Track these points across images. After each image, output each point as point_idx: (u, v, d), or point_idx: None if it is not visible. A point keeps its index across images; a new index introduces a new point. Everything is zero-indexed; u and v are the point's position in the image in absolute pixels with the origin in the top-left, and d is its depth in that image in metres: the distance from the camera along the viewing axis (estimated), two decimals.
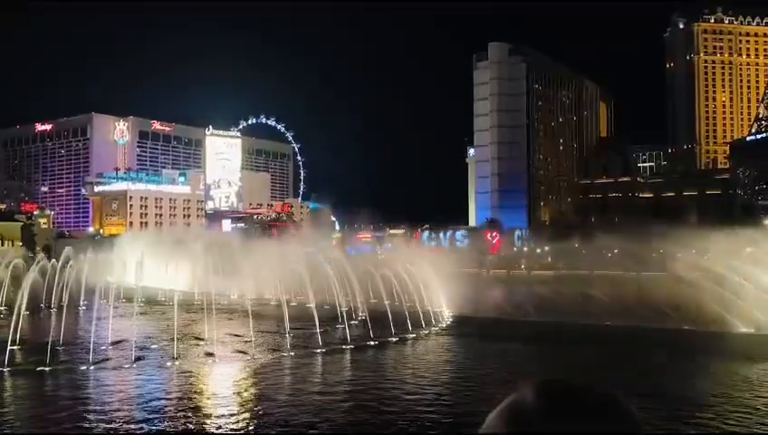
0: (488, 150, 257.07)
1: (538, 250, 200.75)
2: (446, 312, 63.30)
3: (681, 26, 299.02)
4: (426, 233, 61.57)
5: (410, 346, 48.83)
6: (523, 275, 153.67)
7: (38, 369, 38.17)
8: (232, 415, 29.81)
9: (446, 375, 39.93)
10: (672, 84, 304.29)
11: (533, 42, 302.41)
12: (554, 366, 41.06)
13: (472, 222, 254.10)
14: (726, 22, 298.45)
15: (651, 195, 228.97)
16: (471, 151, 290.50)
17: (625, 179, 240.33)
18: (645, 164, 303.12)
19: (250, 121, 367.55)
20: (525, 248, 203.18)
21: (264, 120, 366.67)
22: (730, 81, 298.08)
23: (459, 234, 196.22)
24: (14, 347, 42.21)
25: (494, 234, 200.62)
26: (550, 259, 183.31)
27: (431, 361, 44.82)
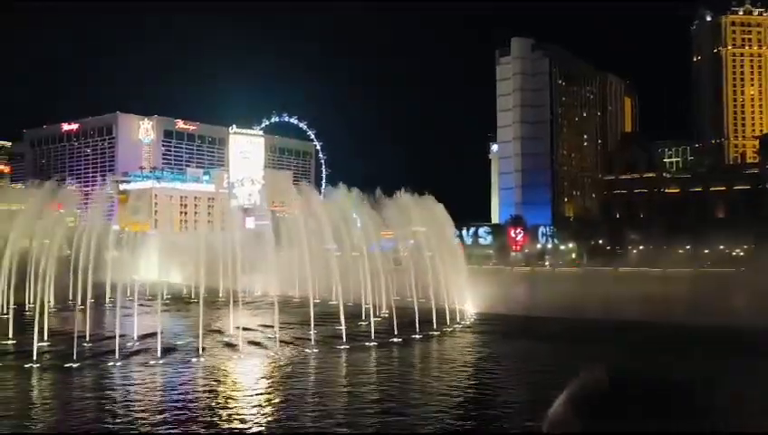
0: (511, 146, 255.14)
1: (562, 247, 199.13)
2: (469, 309, 62.83)
3: (708, 19, 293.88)
4: (450, 231, 61.65)
5: (435, 343, 48.51)
6: (548, 271, 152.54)
7: (66, 365, 38.58)
8: (256, 410, 29.80)
9: (470, 373, 39.54)
10: (698, 78, 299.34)
11: (556, 37, 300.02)
12: (577, 363, 40.45)
13: (495, 219, 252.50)
14: (755, 14, 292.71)
15: (677, 190, 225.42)
16: (494, 147, 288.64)
17: (650, 175, 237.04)
18: (670, 159, 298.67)
19: (273, 120, 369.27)
20: (549, 245, 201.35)
21: (286, 119, 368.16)
22: (759, 73, 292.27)
23: (482, 230, 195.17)
24: (43, 343, 42.73)
25: (517, 230, 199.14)
26: (583, 257, 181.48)
27: (455, 358, 44.47)
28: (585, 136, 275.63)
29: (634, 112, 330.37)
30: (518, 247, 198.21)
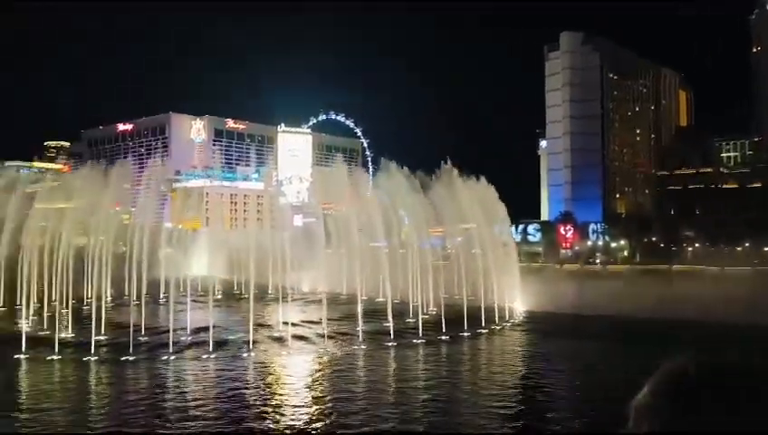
0: (561, 142, 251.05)
1: (614, 244, 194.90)
2: (518, 307, 62.09)
3: None
4: (497, 227, 60.37)
5: (483, 341, 48.12)
6: (599, 269, 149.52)
7: (122, 359, 39.73)
8: (306, 406, 30.10)
9: (519, 372, 39.10)
10: (758, 69, 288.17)
11: (608, 31, 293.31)
12: (629, 362, 39.52)
13: (544, 216, 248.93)
14: None
15: (735, 186, 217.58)
16: (543, 143, 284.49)
17: (707, 170, 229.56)
18: (728, 154, 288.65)
19: (320, 118, 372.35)
20: (600, 242, 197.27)
21: (333, 117, 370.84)
22: None
23: (531, 228, 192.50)
24: (101, 337, 44.11)
25: (567, 227, 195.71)
26: (636, 254, 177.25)
27: (505, 357, 44.06)
28: (638, 131, 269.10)
29: (689, 106, 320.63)
30: (568, 245, 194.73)
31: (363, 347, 43.67)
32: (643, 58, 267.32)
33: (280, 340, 45.44)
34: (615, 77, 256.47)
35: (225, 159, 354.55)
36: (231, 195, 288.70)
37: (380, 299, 59.44)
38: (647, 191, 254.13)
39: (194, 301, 54.33)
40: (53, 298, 55.91)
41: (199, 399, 31.29)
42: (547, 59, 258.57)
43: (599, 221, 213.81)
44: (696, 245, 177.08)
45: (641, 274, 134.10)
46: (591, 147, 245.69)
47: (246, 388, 33.93)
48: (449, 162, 61.80)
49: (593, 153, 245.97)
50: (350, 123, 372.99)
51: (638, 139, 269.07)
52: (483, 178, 65.33)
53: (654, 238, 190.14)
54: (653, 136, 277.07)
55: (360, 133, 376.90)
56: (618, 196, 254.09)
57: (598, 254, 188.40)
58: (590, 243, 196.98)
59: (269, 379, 36.77)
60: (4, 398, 32.15)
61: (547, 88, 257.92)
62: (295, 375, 37.71)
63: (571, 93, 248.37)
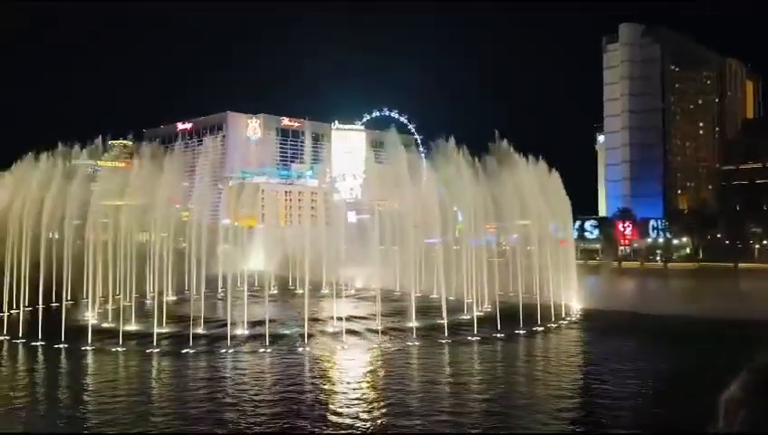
0: (619, 137, 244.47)
1: (675, 241, 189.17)
2: (575, 305, 60.91)
3: None
4: (553, 224, 58.95)
5: (539, 339, 47.40)
6: (659, 267, 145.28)
7: (182, 351, 40.85)
8: (361, 401, 30.24)
9: (575, 371, 38.39)
10: None
11: (669, 21, 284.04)
12: (691, 363, 38.30)
13: (602, 212, 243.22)
14: None
15: None
16: (600, 138, 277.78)
17: None
18: None
19: (374, 114, 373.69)
20: (661, 239, 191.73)
21: (387, 113, 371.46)
22: None
23: (588, 224, 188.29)
24: (162, 330, 45.44)
25: (626, 224, 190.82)
26: (699, 252, 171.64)
27: (560, 355, 43.27)
28: (701, 124, 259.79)
29: (757, 98, 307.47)
30: (627, 242, 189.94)
31: (417, 343, 43.63)
32: (707, 48, 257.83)
33: (334, 335, 45.83)
34: (677, 69, 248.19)
35: (281, 156, 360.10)
36: (286, 192, 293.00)
37: (434, 296, 59.28)
38: (710, 187, 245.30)
39: (250, 296, 55.38)
40: (117, 292, 57.85)
41: (254, 392, 31.85)
42: (605, 51, 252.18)
43: (659, 218, 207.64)
44: (764, 242, 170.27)
45: (705, 272, 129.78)
46: (652, 141, 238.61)
47: (302, 382, 34.36)
48: (503, 140, 59.89)
49: (653, 148, 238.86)
50: (403, 119, 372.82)
51: (701, 132, 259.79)
52: (555, 173, 63.34)
53: (718, 235, 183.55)
54: (717, 129, 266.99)
55: (413, 129, 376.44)
56: (679, 191, 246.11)
57: (658, 251, 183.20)
58: (649, 240, 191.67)
59: (324, 373, 37.15)
60: (74, 387, 33.53)
61: (605, 81, 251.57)
62: (349, 370, 37.95)
63: (630, 87, 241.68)
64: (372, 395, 31.68)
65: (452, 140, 58.83)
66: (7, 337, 46.81)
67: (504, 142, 60.35)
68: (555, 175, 63.43)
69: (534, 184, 58.91)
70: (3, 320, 50.61)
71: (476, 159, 59.30)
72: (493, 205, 58.84)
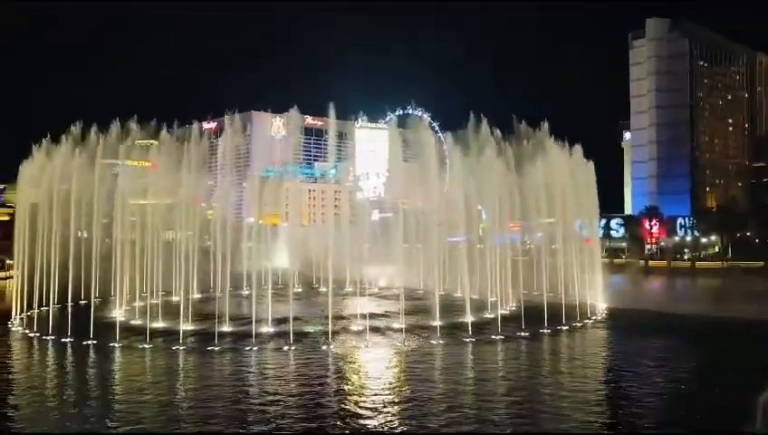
0: (646, 133, 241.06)
1: (703, 239, 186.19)
2: (600, 304, 60.28)
3: None
4: (578, 221, 58.11)
5: (564, 338, 47.01)
6: (687, 265, 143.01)
7: (208, 348, 41.27)
8: (384, 401, 30.25)
9: (600, 371, 37.99)
10: None
11: (697, 15, 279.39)
12: (718, 363, 37.69)
13: (628, 210, 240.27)
14: None
15: None
16: (627, 135, 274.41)
17: None
18: None
19: (397, 113, 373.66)
20: (688, 238, 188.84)
21: (410, 112, 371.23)
22: None
23: (614, 222, 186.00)
24: (188, 327, 45.94)
25: (653, 222, 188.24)
26: (728, 250, 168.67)
27: (585, 355, 42.89)
28: (730, 120, 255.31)
29: None
30: (654, 240, 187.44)
31: (441, 342, 43.55)
32: (737, 42, 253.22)
33: (358, 333, 45.93)
34: (705, 64, 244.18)
35: (304, 155, 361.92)
36: (309, 190, 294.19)
37: (458, 294, 59.11)
38: (740, 184, 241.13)
39: (275, 294, 55.71)
40: (144, 290, 58.63)
41: (277, 389, 32.06)
42: (631, 47, 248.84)
43: (687, 215, 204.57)
44: None
45: (734, 271, 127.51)
46: (679, 138, 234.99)
47: (325, 381, 34.50)
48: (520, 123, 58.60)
49: (681, 145, 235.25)
50: (427, 117, 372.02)
51: (730, 129, 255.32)
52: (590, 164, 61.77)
53: (748, 234, 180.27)
54: (747, 125, 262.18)
55: (437, 127, 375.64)
56: (708, 189, 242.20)
57: (686, 250, 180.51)
58: (677, 238, 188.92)
59: (347, 371, 37.24)
60: (102, 383, 34.09)
61: (631, 78, 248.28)
62: (372, 369, 38.00)
63: (657, 83, 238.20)
64: (395, 394, 31.66)
65: (485, 126, 57.58)
66: (37, 334, 47.73)
67: (527, 126, 59.23)
68: (590, 166, 62.59)
69: (566, 172, 58.13)
70: (33, 317, 51.59)
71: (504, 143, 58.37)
72: (519, 195, 58.15)
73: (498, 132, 58.17)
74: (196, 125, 63.31)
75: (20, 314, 54.60)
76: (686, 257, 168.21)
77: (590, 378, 35.28)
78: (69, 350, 42.65)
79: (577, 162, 62.07)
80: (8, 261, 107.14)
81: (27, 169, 59.34)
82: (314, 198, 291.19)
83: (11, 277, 58.67)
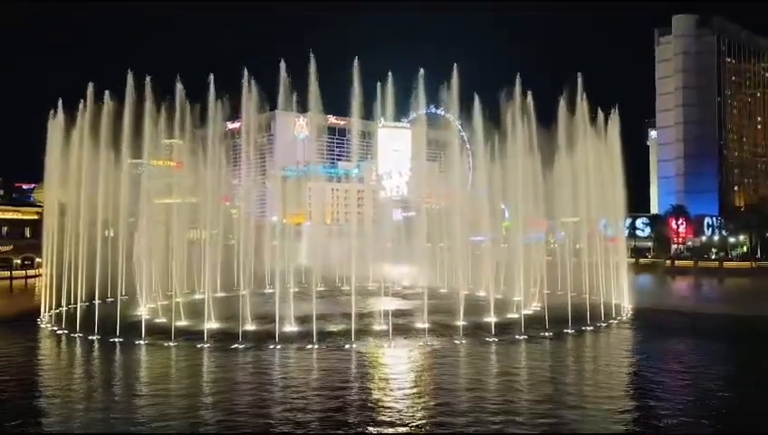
0: (673, 132, 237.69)
1: (732, 239, 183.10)
2: (626, 304, 59.55)
3: None
4: (603, 221, 57.38)
5: (589, 339, 46.51)
6: (714, 265, 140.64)
7: (232, 347, 41.55)
8: (407, 401, 30.17)
9: (625, 372, 37.46)
10: None
11: (725, 11, 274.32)
12: (743, 364, 37.01)
13: (654, 209, 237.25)
14: None
15: None
16: (652, 133, 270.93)
17: None
18: None
19: (420, 112, 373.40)
20: (716, 237, 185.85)
21: (433, 111, 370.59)
22: None
23: (640, 222, 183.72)
24: (212, 326, 46.28)
25: (680, 221, 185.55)
26: (757, 250, 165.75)
27: (610, 356, 42.40)
28: (759, 118, 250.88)
29: None
30: (680, 240, 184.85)
31: (464, 341, 43.35)
32: (765, 38, 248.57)
33: (381, 332, 45.86)
34: (733, 61, 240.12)
35: (327, 154, 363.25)
36: (333, 189, 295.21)
37: (481, 294, 58.80)
38: None
39: (298, 292, 55.93)
40: (170, 289, 59.17)
41: (300, 389, 32.12)
42: (658, 44, 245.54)
43: (714, 215, 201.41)
44: None
45: (763, 271, 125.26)
46: (707, 136, 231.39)
47: (348, 379, 34.52)
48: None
49: (709, 143, 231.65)
50: (450, 117, 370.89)
51: (758, 126, 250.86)
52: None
53: None
54: None
55: (460, 127, 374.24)
56: (736, 188, 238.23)
57: (713, 250, 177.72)
58: (704, 238, 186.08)
59: (371, 370, 37.23)
60: (128, 381, 34.49)
61: (657, 75, 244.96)
62: (395, 368, 37.93)
63: (684, 80, 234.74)
64: (418, 393, 31.56)
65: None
66: (65, 331, 48.48)
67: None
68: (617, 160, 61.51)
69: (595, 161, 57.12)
70: (61, 314, 52.43)
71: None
72: (545, 192, 57.41)
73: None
74: (222, 125, 63.58)
75: (49, 312, 55.51)
76: (713, 257, 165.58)
77: (614, 378, 34.79)
78: (95, 347, 43.30)
79: (608, 152, 60.85)
80: (38, 259, 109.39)
81: (54, 169, 60.16)
82: (337, 198, 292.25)
83: (40, 275, 59.70)
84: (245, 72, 54.90)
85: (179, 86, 56.85)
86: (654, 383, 33.18)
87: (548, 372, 36.08)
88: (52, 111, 58.51)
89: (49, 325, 51.79)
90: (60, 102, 57.99)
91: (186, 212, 60.50)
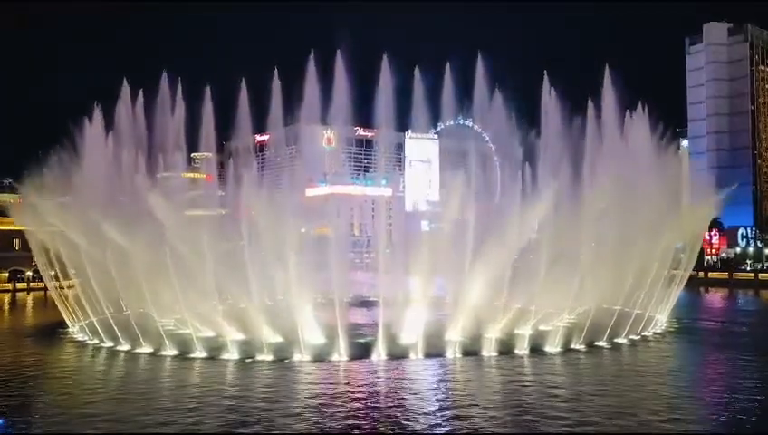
0: (705, 142, 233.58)
1: (767, 250, 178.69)
2: (660, 317, 57.96)
3: None
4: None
5: (625, 353, 45.24)
6: (749, 277, 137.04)
7: (252, 359, 41.20)
8: (438, 415, 29.49)
9: (662, 386, 36.16)
10: None
11: (759, 18, 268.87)
12: None
13: None
14: None
15: None
16: (684, 143, 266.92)
17: None
18: None
19: (448, 123, 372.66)
20: (751, 249, 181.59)
21: (461, 122, 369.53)
22: None
23: None
24: (236, 337, 46.04)
25: (713, 232, 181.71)
26: None
27: (647, 369, 41.07)
28: None
29: None
30: (714, 251, 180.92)
31: (494, 355, 42.51)
32: None
33: (409, 345, 45.08)
34: (766, 69, 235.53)
35: (355, 165, 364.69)
36: (360, 201, 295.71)
37: (515, 305, 57.68)
38: None
39: (324, 303, 55.48)
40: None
41: (328, 403, 31.60)
42: (689, 53, 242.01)
43: (749, 226, 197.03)
44: None
45: None
46: (740, 146, 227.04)
47: (376, 392, 33.91)
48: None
49: (742, 153, 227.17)
50: (477, 128, 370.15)
51: None
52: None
53: None
54: None
55: (487, 138, 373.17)
56: None
57: (748, 261, 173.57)
58: (738, 249, 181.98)
59: (396, 383, 36.50)
60: (154, 394, 34.23)
61: (689, 84, 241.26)
62: (424, 382, 37.18)
63: (716, 89, 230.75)
64: (444, 409, 30.84)
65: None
66: (95, 341, 48.70)
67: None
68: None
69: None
70: (93, 325, 52.72)
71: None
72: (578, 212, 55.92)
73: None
74: (251, 138, 63.97)
75: (78, 322, 55.89)
76: (747, 269, 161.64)
77: (648, 390, 33.64)
78: (122, 357, 43.47)
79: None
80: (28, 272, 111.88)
81: (84, 181, 60.55)
82: (364, 209, 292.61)
83: (72, 287, 60.31)
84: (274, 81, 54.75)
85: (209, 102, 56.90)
86: (694, 397, 32.04)
87: (583, 387, 34.89)
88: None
89: (79, 335, 51.71)
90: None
91: (215, 224, 60.39)
